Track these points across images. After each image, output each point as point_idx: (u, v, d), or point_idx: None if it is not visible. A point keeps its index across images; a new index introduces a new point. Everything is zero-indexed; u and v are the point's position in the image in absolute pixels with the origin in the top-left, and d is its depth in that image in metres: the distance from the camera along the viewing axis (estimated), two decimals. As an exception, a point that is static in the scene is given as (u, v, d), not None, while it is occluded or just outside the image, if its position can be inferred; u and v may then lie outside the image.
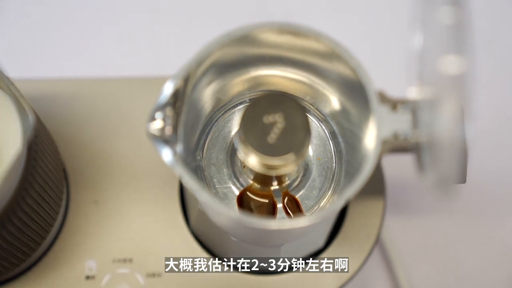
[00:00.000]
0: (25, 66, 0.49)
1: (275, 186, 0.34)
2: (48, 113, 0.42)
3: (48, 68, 0.50)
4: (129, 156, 0.41)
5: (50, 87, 0.42)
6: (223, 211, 0.29)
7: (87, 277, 0.40)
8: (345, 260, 0.40)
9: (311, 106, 0.35)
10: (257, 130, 0.30)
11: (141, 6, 0.52)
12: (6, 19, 0.51)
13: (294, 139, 0.30)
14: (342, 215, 0.41)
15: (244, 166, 0.34)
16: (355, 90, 0.31)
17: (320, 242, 0.40)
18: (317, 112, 0.35)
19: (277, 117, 0.30)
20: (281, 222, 0.29)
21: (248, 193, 0.34)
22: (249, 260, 0.39)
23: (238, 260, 0.39)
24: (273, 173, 0.31)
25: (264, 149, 0.30)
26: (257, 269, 0.40)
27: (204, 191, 0.29)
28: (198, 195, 0.29)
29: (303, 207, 0.34)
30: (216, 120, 0.36)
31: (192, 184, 0.29)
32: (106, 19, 0.51)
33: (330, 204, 0.30)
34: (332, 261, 0.40)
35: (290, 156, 0.30)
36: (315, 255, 0.40)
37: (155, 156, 0.41)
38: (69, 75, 0.44)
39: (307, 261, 0.40)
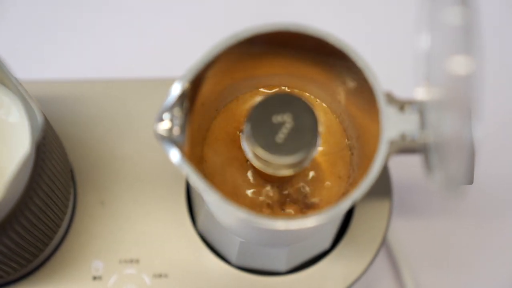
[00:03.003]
0: (32, 68, 0.49)
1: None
2: (55, 115, 0.42)
3: (55, 69, 0.50)
4: (136, 157, 0.41)
5: (57, 88, 0.42)
6: (230, 210, 0.29)
7: (94, 278, 0.40)
8: (351, 262, 0.40)
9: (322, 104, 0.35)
10: (265, 129, 0.30)
11: (148, 8, 0.52)
12: (13, 20, 0.51)
13: (303, 139, 0.30)
14: (348, 216, 0.41)
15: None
16: (362, 90, 0.31)
17: (326, 244, 0.40)
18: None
19: (285, 117, 0.30)
20: (288, 222, 0.29)
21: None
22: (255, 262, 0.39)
23: (243, 261, 0.39)
24: (279, 173, 0.31)
25: (272, 148, 0.30)
26: (263, 270, 0.40)
27: (211, 191, 0.29)
28: (206, 195, 0.30)
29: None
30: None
31: (199, 184, 0.29)
32: (113, 20, 0.51)
33: (337, 205, 0.30)
34: (338, 262, 0.40)
35: (298, 156, 0.30)
36: (321, 256, 0.40)
37: (162, 157, 0.41)
38: (76, 76, 0.44)
39: (313, 262, 0.40)
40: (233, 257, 0.39)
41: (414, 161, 0.43)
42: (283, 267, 0.39)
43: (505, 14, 0.51)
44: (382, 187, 0.41)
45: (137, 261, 0.40)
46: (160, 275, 0.40)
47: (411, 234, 0.47)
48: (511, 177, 0.48)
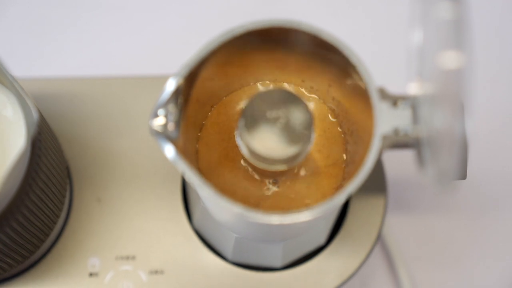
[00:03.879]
0: (28, 65, 0.50)
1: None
2: (51, 112, 0.42)
3: (51, 67, 0.50)
4: (132, 154, 0.42)
5: (53, 86, 0.43)
6: (225, 205, 0.29)
7: (90, 274, 0.40)
8: (346, 258, 0.40)
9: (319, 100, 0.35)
10: (259, 125, 0.30)
11: (143, 5, 0.52)
12: (9, 18, 0.51)
13: (297, 135, 0.30)
14: (343, 212, 0.41)
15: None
16: (355, 86, 0.32)
17: (322, 240, 0.40)
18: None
19: (280, 113, 0.30)
20: (282, 217, 0.29)
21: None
22: (251, 257, 0.39)
23: (239, 257, 0.39)
24: (273, 168, 0.32)
25: (265, 144, 0.30)
26: (259, 266, 0.40)
27: (206, 186, 0.29)
28: (200, 190, 0.30)
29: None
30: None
31: (194, 179, 0.29)
32: (109, 18, 0.52)
33: (331, 199, 0.30)
34: (333, 258, 0.40)
35: (292, 151, 0.30)
36: (316, 252, 0.40)
37: (158, 154, 0.41)
38: (72, 74, 0.44)
39: (308, 258, 0.40)
40: (228, 253, 0.39)
41: (409, 158, 0.44)
42: (278, 263, 0.39)
43: (499, 8, 0.51)
44: (377, 183, 0.41)
45: (133, 257, 0.40)
46: (156, 272, 0.40)
47: (406, 230, 0.47)
48: (505, 172, 0.48)
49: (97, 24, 0.51)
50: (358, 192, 0.40)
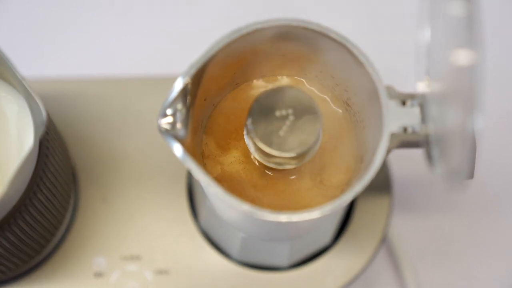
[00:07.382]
0: (33, 66, 0.50)
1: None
2: (57, 112, 0.42)
3: (51, 67, 0.50)
4: (138, 154, 0.42)
5: (59, 86, 0.43)
6: (234, 203, 0.29)
7: (96, 274, 0.40)
8: (352, 258, 0.40)
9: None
10: (267, 123, 0.30)
11: (143, 5, 0.52)
12: (9, 18, 0.51)
13: (305, 133, 0.30)
14: (349, 212, 0.41)
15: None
16: (364, 84, 0.32)
17: (328, 239, 0.40)
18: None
19: (288, 111, 0.30)
20: (291, 215, 0.29)
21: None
22: (256, 257, 0.39)
23: (245, 257, 0.39)
24: (282, 166, 0.32)
25: (274, 142, 0.30)
26: (265, 265, 0.40)
27: (215, 184, 0.29)
28: (209, 189, 0.30)
29: None
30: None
31: (203, 178, 0.29)
32: (115, 18, 0.52)
33: (339, 198, 0.30)
34: (338, 258, 0.40)
35: (301, 150, 0.30)
36: (322, 252, 0.40)
37: (163, 154, 0.42)
38: (78, 74, 0.44)
39: (313, 258, 0.40)
40: (235, 253, 0.39)
41: (415, 159, 0.43)
42: (285, 262, 0.39)
43: (508, 6, 0.51)
44: (382, 183, 0.41)
45: (139, 257, 0.40)
46: (161, 272, 0.40)
47: (411, 230, 0.47)
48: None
49: (97, 24, 0.51)
50: (364, 192, 0.40)
